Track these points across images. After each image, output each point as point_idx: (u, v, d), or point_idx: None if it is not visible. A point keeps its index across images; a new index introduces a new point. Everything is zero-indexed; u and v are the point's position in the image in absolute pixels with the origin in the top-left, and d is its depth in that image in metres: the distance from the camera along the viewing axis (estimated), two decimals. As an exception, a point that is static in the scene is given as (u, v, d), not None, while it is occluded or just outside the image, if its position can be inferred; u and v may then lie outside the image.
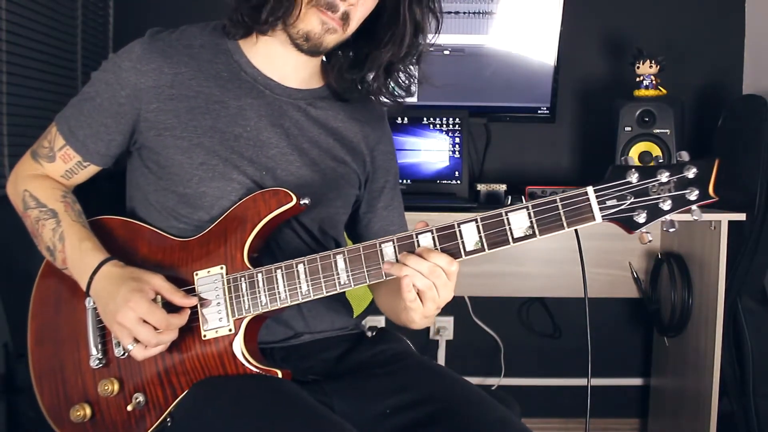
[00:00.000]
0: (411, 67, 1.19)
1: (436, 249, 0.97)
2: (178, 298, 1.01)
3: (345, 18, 1.06)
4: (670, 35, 2.25)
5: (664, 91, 1.98)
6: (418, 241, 0.97)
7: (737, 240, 1.89)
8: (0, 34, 1.60)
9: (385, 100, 1.20)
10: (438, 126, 2.04)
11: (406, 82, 1.20)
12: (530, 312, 2.37)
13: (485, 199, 1.98)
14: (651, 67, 1.98)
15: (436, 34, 1.17)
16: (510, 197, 1.97)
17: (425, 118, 2.04)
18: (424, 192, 2.02)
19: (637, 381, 2.40)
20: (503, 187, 1.99)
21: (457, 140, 2.04)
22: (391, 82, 1.19)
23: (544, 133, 2.26)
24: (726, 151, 2.04)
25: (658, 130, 1.92)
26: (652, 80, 1.98)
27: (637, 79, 1.99)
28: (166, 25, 1.13)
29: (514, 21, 2.07)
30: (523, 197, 1.96)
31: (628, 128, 1.93)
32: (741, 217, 1.81)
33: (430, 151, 2.04)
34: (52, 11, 1.84)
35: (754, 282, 1.93)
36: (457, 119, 2.04)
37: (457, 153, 2.04)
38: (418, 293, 0.97)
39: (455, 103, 2.09)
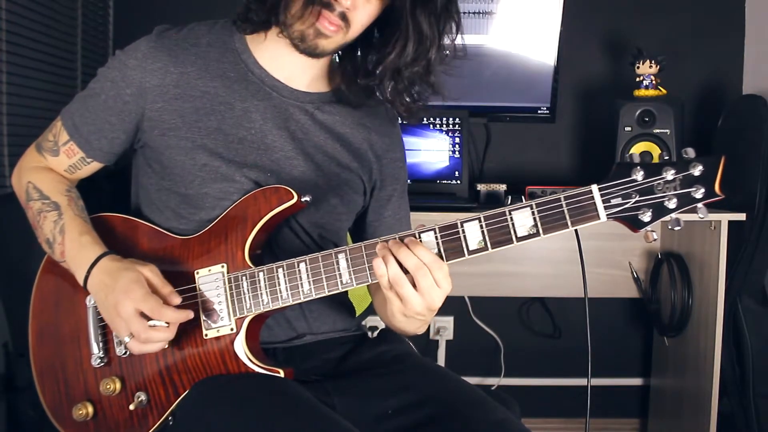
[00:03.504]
0: (425, 75, 1.12)
1: (439, 250, 0.94)
2: (166, 290, 0.99)
3: (344, 18, 1.02)
4: (670, 35, 2.25)
5: (664, 91, 1.98)
6: (420, 240, 0.95)
7: (737, 240, 1.89)
8: (0, 34, 1.60)
9: (402, 108, 1.15)
10: (438, 126, 2.04)
11: (417, 91, 1.14)
12: (530, 312, 2.37)
13: (485, 199, 1.98)
14: (651, 67, 1.97)
15: (456, 39, 1.10)
16: (510, 197, 1.97)
17: (425, 118, 2.03)
18: (424, 192, 2.02)
19: (637, 381, 2.40)
20: (503, 187, 1.98)
21: (457, 140, 2.04)
22: (403, 92, 1.13)
23: (544, 133, 2.26)
24: (726, 151, 2.01)
25: (658, 130, 1.91)
26: (652, 80, 1.98)
27: (637, 79, 1.99)
28: (167, 23, 1.12)
29: (514, 21, 2.07)
30: (523, 197, 1.96)
31: (628, 128, 1.93)
32: (741, 217, 1.81)
33: (430, 151, 2.03)
34: (52, 11, 1.83)
35: (754, 282, 1.93)
36: (457, 119, 2.03)
37: (457, 153, 2.04)
38: (391, 285, 0.92)
39: (455, 103, 2.09)
